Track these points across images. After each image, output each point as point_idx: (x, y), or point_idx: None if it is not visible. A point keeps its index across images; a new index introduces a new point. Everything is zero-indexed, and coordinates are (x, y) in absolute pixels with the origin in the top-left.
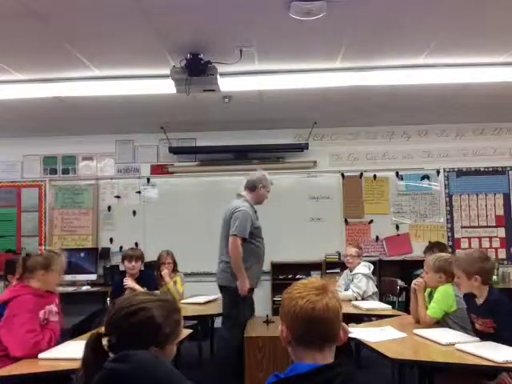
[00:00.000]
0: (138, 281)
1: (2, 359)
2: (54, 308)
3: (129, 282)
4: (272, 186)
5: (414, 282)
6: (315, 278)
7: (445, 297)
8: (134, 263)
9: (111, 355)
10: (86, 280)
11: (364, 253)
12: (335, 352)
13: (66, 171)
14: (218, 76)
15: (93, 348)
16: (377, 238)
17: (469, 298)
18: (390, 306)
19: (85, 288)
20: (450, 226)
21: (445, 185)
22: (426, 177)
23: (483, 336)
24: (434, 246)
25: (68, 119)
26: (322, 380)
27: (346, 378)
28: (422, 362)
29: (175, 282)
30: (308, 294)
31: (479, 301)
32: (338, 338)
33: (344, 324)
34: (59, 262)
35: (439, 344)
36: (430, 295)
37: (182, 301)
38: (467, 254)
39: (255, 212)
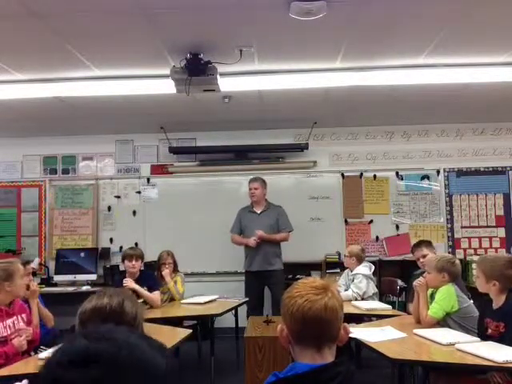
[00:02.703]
0: (138, 281)
1: None
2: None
3: (128, 282)
4: (272, 186)
5: (416, 281)
6: (316, 277)
7: (447, 297)
8: (134, 262)
9: None
10: (85, 280)
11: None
12: (336, 352)
13: (66, 171)
14: (218, 76)
15: None
16: (377, 238)
17: (486, 302)
18: (390, 306)
19: (85, 288)
20: (449, 226)
21: (445, 185)
22: (426, 177)
23: (491, 341)
24: (421, 244)
25: (68, 119)
26: (320, 380)
27: (345, 377)
28: (422, 362)
29: (175, 282)
30: (307, 294)
31: (495, 305)
32: (339, 337)
33: (345, 324)
34: (19, 268)
35: (439, 344)
36: (432, 296)
37: (182, 301)
38: (493, 257)
39: (251, 212)
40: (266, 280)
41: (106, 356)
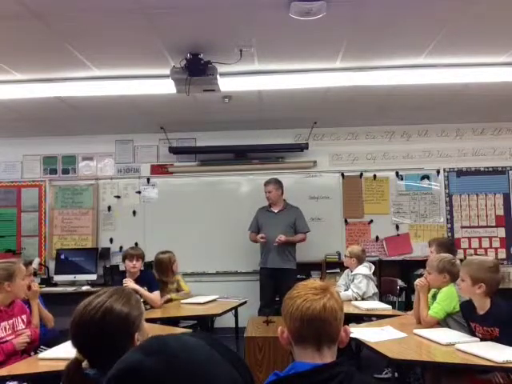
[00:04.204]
0: (138, 281)
1: None
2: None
3: (128, 282)
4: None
5: (416, 281)
6: (316, 279)
7: (448, 298)
8: (135, 262)
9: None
10: (86, 280)
11: None
12: (337, 353)
13: (66, 171)
14: (218, 76)
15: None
16: (377, 238)
17: (467, 306)
18: (390, 306)
19: (85, 288)
20: (449, 225)
21: (445, 185)
22: (426, 177)
23: (484, 340)
24: (442, 245)
25: (68, 119)
26: (320, 379)
27: (345, 377)
28: (422, 362)
29: (178, 282)
30: (306, 294)
31: (480, 311)
32: (339, 339)
33: (346, 326)
34: (20, 268)
35: (439, 344)
36: (434, 297)
37: (182, 301)
38: (479, 260)
39: (268, 211)
40: (278, 278)
41: (150, 372)
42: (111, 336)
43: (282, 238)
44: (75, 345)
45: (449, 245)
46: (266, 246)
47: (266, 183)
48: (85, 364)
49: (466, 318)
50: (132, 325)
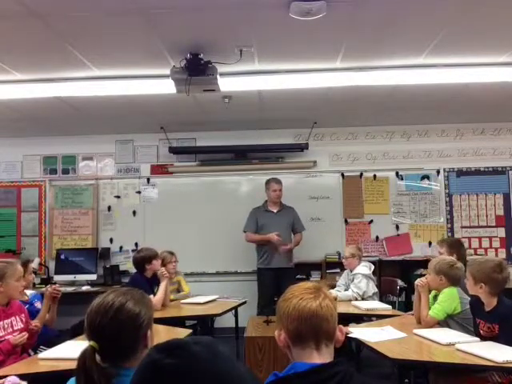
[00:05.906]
0: (155, 281)
1: None
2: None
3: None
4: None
5: (417, 280)
6: (309, 282)
7: (449, 299)
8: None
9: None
10: (85, 280)
11: (364, 253)
12: (336, 354)
13: (66, 171)
14: (218, 76)
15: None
16: (377, 238)
17: (477, 302)
18: (389, 306)
19: (85, 288)
20: (449, 225)
21: (445, 185)
22: (426, 177)
23: (486, 340)
24: (453, 246)
25: (68, 119)
26: (319, 379)
27: (344, 376)
28: (422, 362)
29: (179, 282)
30: (301, 294)
31: (487, 308)
32: (335, 338)
33: (341, 326)
34: (15, 269)
35: (439, 344)
36: (435, 298)
37: (182, 301)
38: (483, 260)
39: (267, 211)
40: (280, 277)
41: (181, 347)
42: (119, 331)
43: (288, 246)
44: (92, 332)
45: (459, 245)
46: (269, 246)
47: (278, 182)
48: (98, 360)
49: (473, 313)
50: (141, 325)
